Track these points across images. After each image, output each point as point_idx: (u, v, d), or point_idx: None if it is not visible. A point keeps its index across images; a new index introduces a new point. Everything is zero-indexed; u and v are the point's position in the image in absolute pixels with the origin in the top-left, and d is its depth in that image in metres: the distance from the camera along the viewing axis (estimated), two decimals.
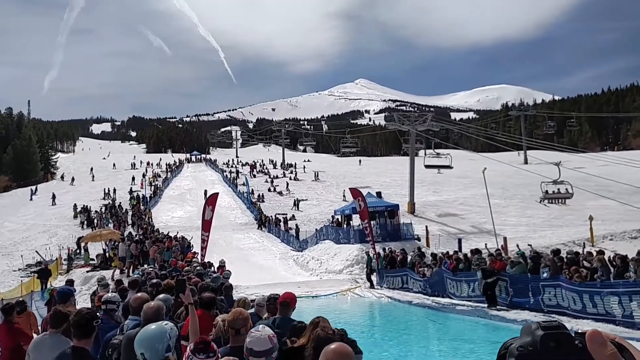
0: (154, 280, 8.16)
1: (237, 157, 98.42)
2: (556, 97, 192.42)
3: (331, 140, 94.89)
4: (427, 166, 35.19)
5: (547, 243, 25.45)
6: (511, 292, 14.87)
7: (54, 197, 53.95)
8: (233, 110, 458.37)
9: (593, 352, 0.55)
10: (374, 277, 23.15)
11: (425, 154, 34.83)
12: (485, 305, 15.35)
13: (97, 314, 4.41)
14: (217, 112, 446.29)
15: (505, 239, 25.57)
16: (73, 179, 69.64)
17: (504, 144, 62.22)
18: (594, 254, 14.54)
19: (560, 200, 33.76)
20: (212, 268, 18.60)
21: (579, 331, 0.58)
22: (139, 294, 5.74)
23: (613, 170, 43.57)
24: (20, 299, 9.40)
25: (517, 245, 19.47)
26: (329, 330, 3.16)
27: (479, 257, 16.94)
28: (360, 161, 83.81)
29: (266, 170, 74.38)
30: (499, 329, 12.89)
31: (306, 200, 53.13)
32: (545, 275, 13.85)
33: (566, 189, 32.76)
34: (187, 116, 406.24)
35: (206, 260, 21.43)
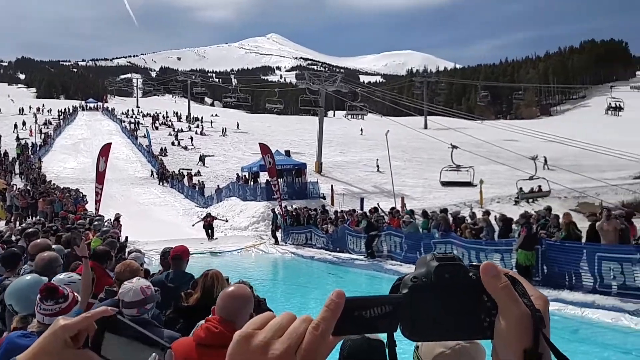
0: (29, 230, 7.67)
1: (137, 107, 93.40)
2: (458, 66, 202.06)
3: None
4: (443, 183, 28.84)
5: (441, 203, 27.06)
6: (405, 248, 15.77)
7: None
8: (134, 56, 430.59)
9: (486, 284, 0.55)
10: (279, 234, 23.44)
11: (442, 169, 28.23)
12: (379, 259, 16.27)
13: None
14: (117, 58, 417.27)
15: (402, 198, 26.83)
16: None
17: (407, 109, 64.59)
18: (480, 214, 15.70)
19: (359, 116, 38.39)
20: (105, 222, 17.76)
21: (473, 264, 0.58)
22: (39, 240, 5.61)
23: (504, 137, 46.95)
24: None
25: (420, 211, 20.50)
26: (219, 279, 3.13)
27: (378, 215, 17.77)
28: (238, 124, 72.64)
29: (170, 123, 71.50)
30: (393, 282, 13.68)
31: (213, 156, 52.05)
32: (437, 235, 14.83)
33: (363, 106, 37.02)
34: (83, 60, 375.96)
35: (101, 214, 20.39)
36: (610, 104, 61.34)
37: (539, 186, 28.16)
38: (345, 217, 20.51)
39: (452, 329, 0.57)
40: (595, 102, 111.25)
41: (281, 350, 0.52)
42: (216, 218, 25.10)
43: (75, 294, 2.65)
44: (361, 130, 67.69)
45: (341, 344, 2.01)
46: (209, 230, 23.69)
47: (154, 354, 0.78)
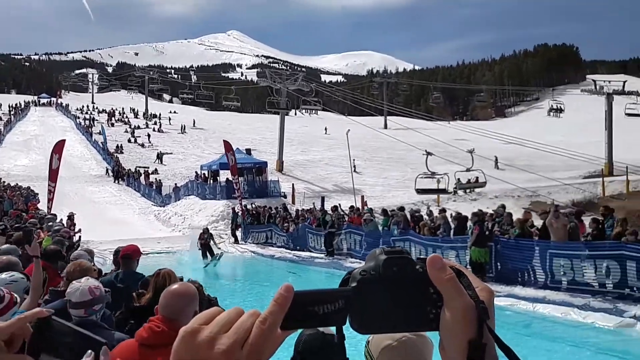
0: None
1: (93, 103, 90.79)
2: (416, 67, 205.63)
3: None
4: (418, 191, 27.04)
5: (399, 202, 27.43)
6: (365, 246, 15.93)
7: None
8: (90, 51, 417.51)
9: (432, 276, 0.56)
10: (239, 233, 23.25)
11: (417, 176, 26.32)
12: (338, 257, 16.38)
13: None
14: (72, 52, 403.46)
15: (362, 197, 27.07)
16: None
17: (368, 108, 65.30)
18: (435, 212, 16.03)
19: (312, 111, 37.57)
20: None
21: (421, 257, 0.59)
22: None
23: (461, 137, 48.00)
24: None
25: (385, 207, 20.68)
26: (172, 279, 3.05)
27: (338, 214, 17.91)
28: (194, 121, 71.41)
29: (126, 120, 69.81)
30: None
31: (171, 153, 51.12)
32: (396, 232, 15.05)
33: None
34: (36, 54, 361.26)
35: (54, 212, 19.72)
36: (552, 106, 66.18)
37: (476, 177, 29.00)
38: (306, 216, 20.54)
39: (400, 321, 0.58)
40: (548, 105, 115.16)
41: (227, 344, 0.51)
42: (211, 237, 19.51)
43: (14, 294, 2.53)
44: (325, 129, 67.85)
45: (296, 338, 2.00)
46: (207, 252, 18.85)
47: (89, 350, 0.75)
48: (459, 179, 28.48)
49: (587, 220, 12.79)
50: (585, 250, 10.46)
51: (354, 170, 40.69)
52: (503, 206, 14.81)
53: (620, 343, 8.26)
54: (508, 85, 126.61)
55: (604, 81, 44.09)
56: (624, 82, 44.58)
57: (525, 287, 11.07)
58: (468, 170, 26.33)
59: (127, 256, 5.15)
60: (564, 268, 10.62)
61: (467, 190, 29.33)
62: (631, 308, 9.04)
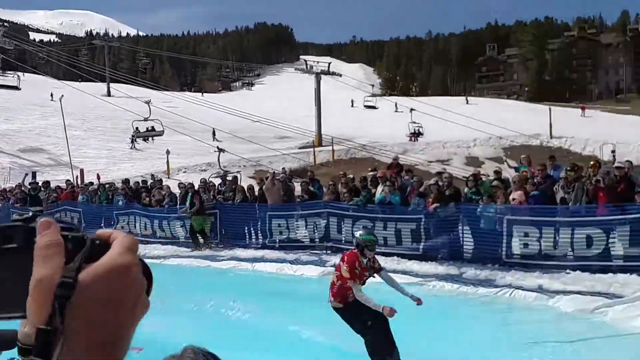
0: None
1: None
2: (141, 33, 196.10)
3: None
4: None
5: (127, 175, 26.19)
6: (84, 224, 14.73)
7: None
8: None
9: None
10: None
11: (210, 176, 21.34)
12: None
13: None
14: None
15: (82, 170, 25.01)
16: None
17: (88, 74, 59.52)
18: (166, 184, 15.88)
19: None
20: None
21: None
22: None
23: (188, 109, 47.97)
24: None
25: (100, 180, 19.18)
26: None
27: (51, 190, 16.17)
28: None
29: None
30: None
31: None
32: (120, 203, 14.35)
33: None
34: None
35: None
36: (245, 81, 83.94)
37: (152, 126, 29.82)
38: (7, 195, 17.78)
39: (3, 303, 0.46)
40: (269, 81, 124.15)
41: None
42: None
43: None
44: (52, 95, 58.52)
45: None
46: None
47: None
48: (137, 127, 28.89)
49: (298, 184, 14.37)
50: (299, 210, 11.77)
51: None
52: (226, 173, 15.57)
53: (324, 290, 9.54)
54: (232, 60, 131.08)
55: (314, 62, 49.65)
56: (329, 63, 51.09)
57: (246, 249, 11.91)
58: (146, 119, 26.77)
59: None
60: (280, 227, 11.77)
61: (146, 139, 30.13)
62: (331, 258, 10.55)
